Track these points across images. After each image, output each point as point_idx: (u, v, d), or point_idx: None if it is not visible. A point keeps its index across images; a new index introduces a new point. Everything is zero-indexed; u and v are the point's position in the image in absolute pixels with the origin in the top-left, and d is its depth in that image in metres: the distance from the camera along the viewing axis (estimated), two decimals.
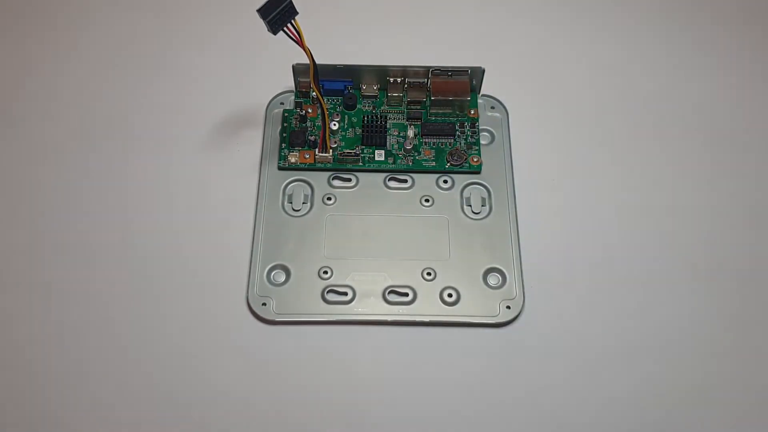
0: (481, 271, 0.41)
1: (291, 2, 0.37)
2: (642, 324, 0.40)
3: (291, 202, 0.43)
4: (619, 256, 0.42)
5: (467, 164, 0.44)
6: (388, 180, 0.44)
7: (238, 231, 0.42)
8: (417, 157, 0.45)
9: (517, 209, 0.43)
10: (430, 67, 0.45)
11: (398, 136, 0.45)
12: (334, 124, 0.45)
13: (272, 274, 0.41)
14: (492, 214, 0.43)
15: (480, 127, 0.46)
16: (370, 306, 0.40)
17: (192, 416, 0.38)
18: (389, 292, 0.41)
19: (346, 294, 0.41)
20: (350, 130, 0.45)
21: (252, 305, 0.40)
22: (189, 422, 0.38)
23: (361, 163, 0.44)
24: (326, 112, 0.43)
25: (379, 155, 0.45)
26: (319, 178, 0.44)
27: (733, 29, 0.52)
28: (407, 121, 0.46)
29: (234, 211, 0.43)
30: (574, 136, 0.47)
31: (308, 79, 0.43)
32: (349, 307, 0.40)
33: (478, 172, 0.44)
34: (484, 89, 0.47)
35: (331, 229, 0.43)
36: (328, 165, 0.44)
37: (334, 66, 0.45)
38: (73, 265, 0.41)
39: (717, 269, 0.42)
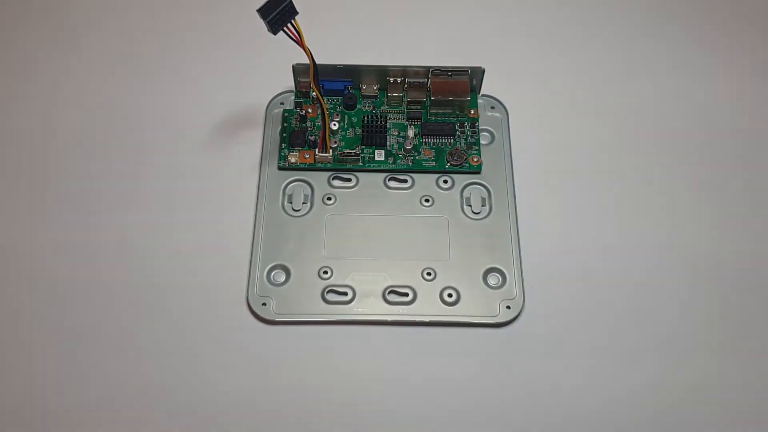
0: (481, 271, 0.41)
1: (291, 2, 0.37)
2: (642, 324, 0.40)
3: (291, 202, 0.43)
4: (619, 256, 0.42)
5: (467, 164, 0.44)
6: (388, 180, 0.44)
7: (238, 231, 0.42)
8: (417, 157, 0.45)
9: (517, 209, 0.43)
10: (430, 67, 0.45)
11: (398, 136, 0.45)
12: (334, 124, 0.45)
13: (272, 274, 0.41)
14: (492, 214, 0.43)
15: (480, 127, 0.46)
16: (370, 306, 0.40)
17: (192, 416, 0.38)
18: (389, 292, 0.41)
19: (346, 294, 0.41)
20: (350, 130, 0.45)
21: (252, 305, 0.40)
22: (189, 422, 0.38)
23: (361, 163, 0.44)
24: (326, 112, 0.43)
25: (379, 155, 0.45)
26: (319, 178, 0.44)
27: (733, 30, 0.52)
28: (407, 121, 0.46)
29: (234, 211, 0.43)
30: (574, 136, 0.47)
31: (308, 79, 0.43)
32: (349, 307, 0.40)
33: (478, 172, 0.44)
34: (484, 89, 0.47)
35: (331, 229, 0.43)
36: (328, 165, 0.44)
37: (334, 66, 0.45)
38: (72, 264, 0.41)
39: (717, 269, 0.42)
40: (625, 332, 0.40)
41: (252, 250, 0.42)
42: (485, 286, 0.41)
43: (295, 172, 0.44)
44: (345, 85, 0.46)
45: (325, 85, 0.45)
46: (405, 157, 0.45)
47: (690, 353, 0.40)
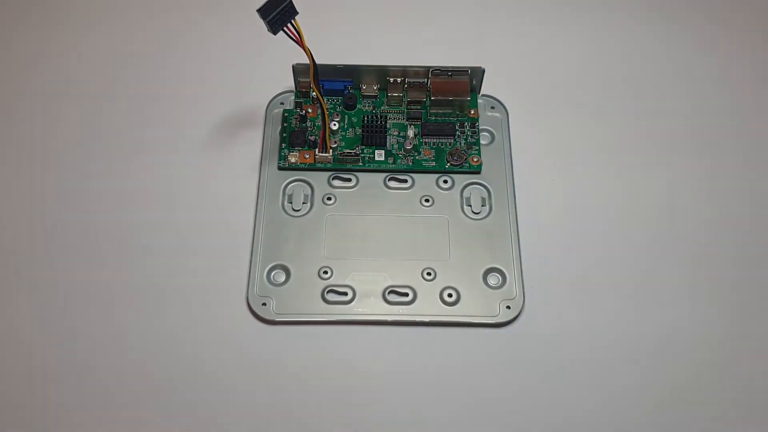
0: (481, 271, 0.41)
1: (291, 2, 0.37)
2: (642, 324, 0.40)
3: (291, 202, 0.43)
4: (619, 256, 0.42)
5: (467, 164, 0.44)
6: (388, 180, 0.44)
7: (238, 231, 0.42)
8: (417, 157, 0.45)
9: (517, 209, 0.43)
10: (430, 67, 0.45)
11: (398, 136, 0.45)
12: (334, 124, 0.45)
13: (272, 274, 0.41)
14: (492, 214, 0.43)
15: (480, 127, 0.46)
16: (370, 306, 0.40)
17: (192, 416, 0.38)
18: (389, 292, 0.41)
19: (346, 294, 0.41)
20: (350, 130, 0.45)
21: (252, 305, 0.40)
22: (189, 422, 0.38)
23: (361, 163, 0.44)
24: (326, 112, 0.43)
25: (379, 155, 0.45)
26: (319, 178, 0.44)
27: (733, 29, 0.52)
28: (407, 121, 0.46)
29: (234, 211, 0.43)
30: (574, 136, 0.47)
31: (308, 79, 0.43)
32: (349, 307, 0.40)
33: (478, 172, 0.44)
34: (484, 89, 0.47)
35: (331, 229, 0.43)
36: (328, 165, 0.44)
37: (334, 66, 0.45)
38: (73, 264, 0.41)
39: (717, 269, 0.42)
40: (624, 332, 0.40)
41: (252, 250, 0.42)
42: (485, 286, 0.41)
43: (295, 172, 0.44)
44: (345, 85, 0.46)
45: (325, 85, 0.45)
46: (405, 157, 0.45)
47: (690, 353, 0.40)
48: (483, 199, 0.44)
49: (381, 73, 0.45)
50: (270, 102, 0.47)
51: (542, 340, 0.40)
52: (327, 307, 0.40)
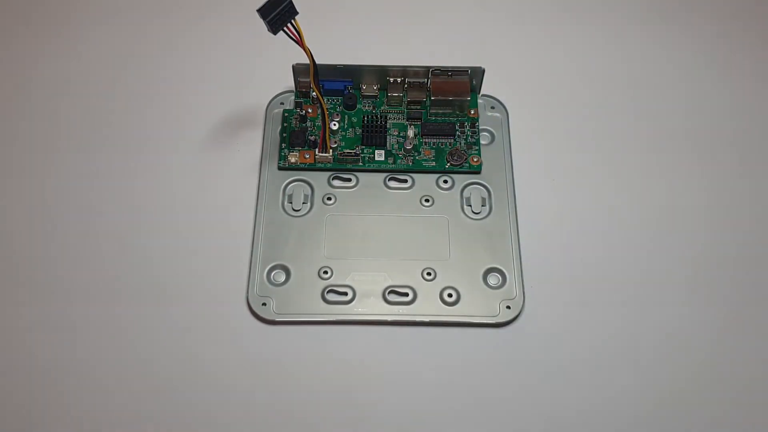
0: (481, 271, 0.41)
1: (291, 2, 0.37)
2: (641, 324, 0.40)
3: (291, 202, 0.43)
4: (618, 256, 0.42)
5: (467, 164, 0.44)
6: (388, 180, 0.44)
7: (238, 231, 0.42)
8: (417, 157, 0.45)
9: (517, 209, 0.43)
10: (430, 67, 0.45)
11: (398, 136, 0.45)
12: (334, 124, 0.45)
13: (272, 274, 0.41)
14: (492, 214, 0.43)
15: (480, 127, 0.46)
16: (370, 306, 0.40)
17: (192, 416, 0.38)
18: (389, 292, 0.41)
19: (346, 294, 0.41)
20: (350, 130, 0.45)
21: (252, 305, 0.40)
22: (189, 422, 0.38)
23: (361, 163, 0.44)
24: (326, 112, 0.43)
25: (379, 155, 0.45)
26: (319, 178, 0.44)
27: (733, 31, 0.52)
28: (407, 121, 0.46)
29: (234, 211, 0.43)
30: (574, 136, 0.47)
31: (308, 79, 0.43)
32: (349, 307, 0.40)
33: (478, 172, 0.44)
34: (484, 89, 0.47)
35: (331, 229, 0.43)
36: (328, 165, 0.44)
37: (334, 66, 0.45)
38: (73, 264, 0.41)
39: (717, 269, 0.42)
40: (624, 332, 0.40)
41: (252, 250, 0.42)
42: (485, 286, 0.41)
43: (295, 172, 0.44)
44: (345, 85, 0.46)
45: (325, 85, 0.45)
46: (405, 157, 0.45)
47: (689, 353, 0.40)
48: (483, 199, 0.44)
49: (381, 73, 0.45)
50: (270, 102, 0.47)
51: (542, 340, 0.40)
52: (327, 307, 0.40)
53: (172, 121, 0.47)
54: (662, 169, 0.46)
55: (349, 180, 0.44)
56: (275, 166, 0.44)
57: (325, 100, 0.46)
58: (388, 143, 0.45)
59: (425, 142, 0.45)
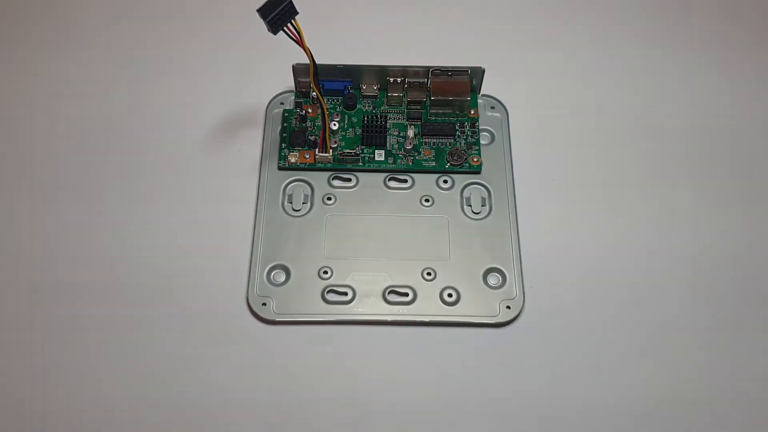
0: (481, 271, 0.41)
1: (291, 2, 0.37)
2: (642, 324, 0.40)
3: (291, 202, 0.43)
4: (618, 256, 0.42)
5: (467, 164, 0.44)
6: (388, 180, 0.44)
7: (238, 231, 0.42)
8: (417, 157, 0.45)
9: (517, 209, 0.43)
10: (430, 67, 0.45)
11: (398, 136, 0.45)
12: (334, 124, 0.45)
13: (272, 274, 0.41)
14: (492, 214, 0.43)
15: (480, 127, 0.46)
16: (370, 306, 0.40)
17: (192, 416, 0.38)
18: (389, 292, 0.41)
19: (346, 294, 0.41)
20: (350, 130, 0.45)
21: (252, 305, 0.40)
22: (189, 422, 0.38)
23: (361, 163, 0.44)
24: (326, 112, 0.43)
25: (379, 155, 0.45)
26: (319, 178, 0.44)
27: (733, 32, 0.52)
28: (407, 121, 0.46)
29: (234, 211, 0.43)
30: (574, 136, 0.47)
31: (308, 79, 0.43)
32: (349, 307, 0.40)
33: (478, 172, 0.44)
34: (484, 89, 0.47)
35: (331, 229, 0.43)
36: (328, 165, 0.44)
37: (334, 66, 0.45)
38: (72, 264, 0.41)
39: (717, 269, 0.42)
40: (624, 332, 0.40)
41: (252, 250, 0.42)
42: (485, 286, 0.41)
43: (295, 172, 0.44)
44: (345, 85, 0.46)
45: (325, 85, 0.45)
46: (405, 157, 0.45)
47: (689, 352, 0.40)
48: (483, 199, 0.44)
49: (381, 73, 0.45)
50: (270, 102, 0.47)
51: (542, 340, 0.40)
52: (327, 307, 0.40)
53: (172, 121, 0.47)
54: (662, 168, 0.46)
55: (349, 180, 0.44)
56: (275, 166, 0.44)
57: (325, 100, 0.46)
58: (388, 143, 0.45)
59: (425, 142, 0.45)
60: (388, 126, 0.45)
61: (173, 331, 0.40)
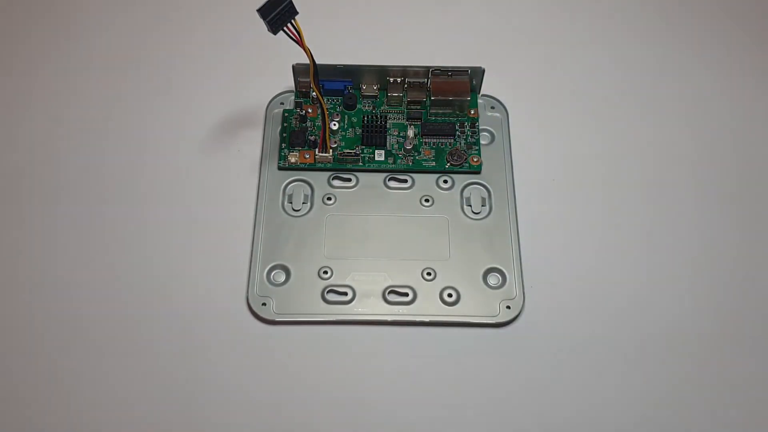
0: (481, 271, 0.41)
1: (291, 2, 0.37)
2: (642, 324, 0.40)
3: (291, 202, 0.43)
4: (618, 256, 0.42)
5: (467, 164, 0.44)
6: (388, 180, 0.44)
7: (238, 231, 0.42)
8: (417, 157, 0.45)
9: (517, 209, 0.43)
10: (430, 67, 0.45)
11: (398, 136, 0.45)
12: (334, 124, 0.45)
13: (272, 274, 0.41)
14: (492, 214, 0.43)
15: (480, 127, 0.46)
16: (370, 306, 0.40)
17: (192, 416, 0.38)
18: (389, 292, 0.41)
19: (346, 294, 0.41)
20: (350, 130, 0.45)
21: (252, 305, 0.40)
22: (189, 422, 0.38)
23: (361, 163, 0.44)
24: (326, 112, 0.43)
25: (379, 155, 0.45)
26: (319, 178, 0.44)
27: (734, 32, 0.52)
28: (407, 121, 0.46)
29: (234, 211, 0.43)
30: (574, 137, 0.47)
31: (308, 79, 0.43)
32: (349, 307, 0.40)
33: (478, 172, 0.44)
34: (484, 89, 0.47)
35: (331, 229, 0.43)
36: (328, 165, 0.44)
37: (334, 66, 0.45)
38: (72, 264, 0.41)
39: (717, 269, 0.42)
40: (624, 332, 0.40)
41: (252, 250, 0.42)
42: (485, 286, 0.41)
43: (295, 172, 0.44)
44: (345, 85, 0.46)
45: (325, 85, 0.45)
46: (405, 157, 0.45)
47: (690, 353, 0.40)
48: (483, 199, 0.44)
49: (381, 73, 0.45)
50: (270, 102, 0.47)
51: (542, 340, 0.40)
52: (327, 307, 0.40)
53: (172, 121, 0.47)
54: (663, 168, 0.46)
55: (349, 180, 0.44)
56: (275, 166, 0.44)
57: (325, 100, 0.46)
58: (388, 143, 0.45)
59: (425, 142, 0.45)
60: (388, 126, 0.45)
61: (173, 330, 0.40)
